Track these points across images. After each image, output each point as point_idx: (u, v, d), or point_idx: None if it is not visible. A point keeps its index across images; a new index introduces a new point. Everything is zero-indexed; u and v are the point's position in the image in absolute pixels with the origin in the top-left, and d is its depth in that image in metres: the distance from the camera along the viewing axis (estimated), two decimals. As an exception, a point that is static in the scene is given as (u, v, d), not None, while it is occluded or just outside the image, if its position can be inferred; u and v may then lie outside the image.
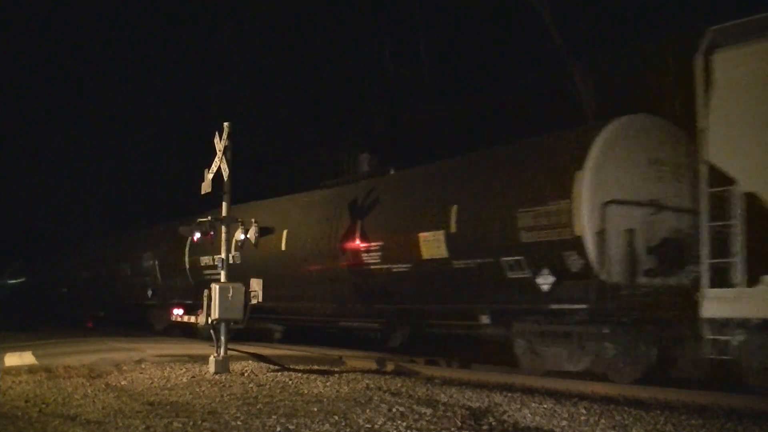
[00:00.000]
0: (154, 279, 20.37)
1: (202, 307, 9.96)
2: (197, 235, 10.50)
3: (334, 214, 13.49)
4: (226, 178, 10.21)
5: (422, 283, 11.63)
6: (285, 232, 14.27)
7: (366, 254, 12.42)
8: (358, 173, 14.90)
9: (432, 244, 11.06)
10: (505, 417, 6.42)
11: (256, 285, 10.69)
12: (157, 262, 20.21)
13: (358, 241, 12.61)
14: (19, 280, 41.32)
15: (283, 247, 14.29)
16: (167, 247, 19.43)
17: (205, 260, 16.65)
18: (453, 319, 11.55)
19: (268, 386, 8.30)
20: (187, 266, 17.90)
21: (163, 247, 19.87)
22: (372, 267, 12.30)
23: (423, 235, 11.22)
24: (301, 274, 14.03)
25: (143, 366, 10.35)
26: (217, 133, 10.33)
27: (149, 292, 20.62)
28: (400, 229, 11.87)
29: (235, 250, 10.64)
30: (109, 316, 25.65)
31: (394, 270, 11.90)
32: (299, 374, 9.37)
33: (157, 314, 19.97)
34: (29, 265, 39.40)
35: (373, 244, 12.30)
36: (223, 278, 10.17)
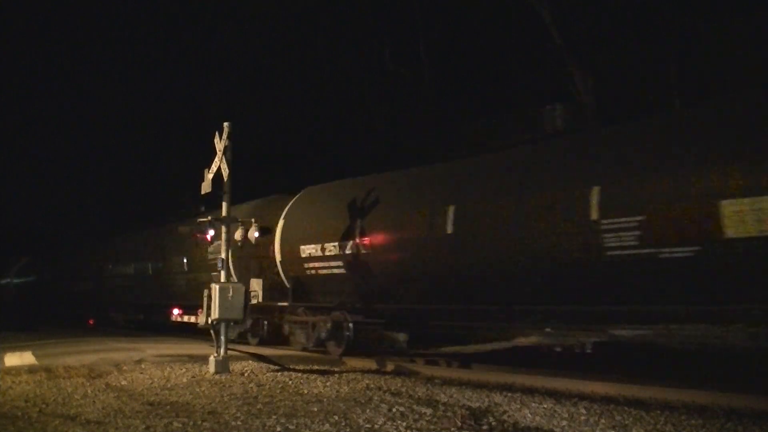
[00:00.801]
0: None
1: (201, 307, 9.96)
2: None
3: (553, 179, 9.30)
4: (226, 178, 10.21)
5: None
6: (452, 209, 10.21)
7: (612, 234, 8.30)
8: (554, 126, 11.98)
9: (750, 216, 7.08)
10: (505, 417, 6.42)
11: (256, 285, 10.72)
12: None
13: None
14: (27, 279, 36.94)
15: (450, 229, 10.19)
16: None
17: (309, 250, 12.78)
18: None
19: (268, 386, 8.30)
20: (279, 259, 13.69)
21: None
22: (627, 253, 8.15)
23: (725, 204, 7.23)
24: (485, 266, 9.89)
25: (143, 366, 10.35)
26: (217, 133, 10.33)
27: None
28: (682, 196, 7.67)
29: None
30: (157, 320, 20.10)
31: (665, 256, 7.80)
32: (299, 374, 9.37)
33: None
34: (39, 261, 35.61)
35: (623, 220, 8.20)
36: (222, 278, 10.18)
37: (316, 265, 12.55)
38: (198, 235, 10.67)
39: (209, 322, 9.81)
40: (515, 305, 9.72)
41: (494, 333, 12.20)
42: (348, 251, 11.74)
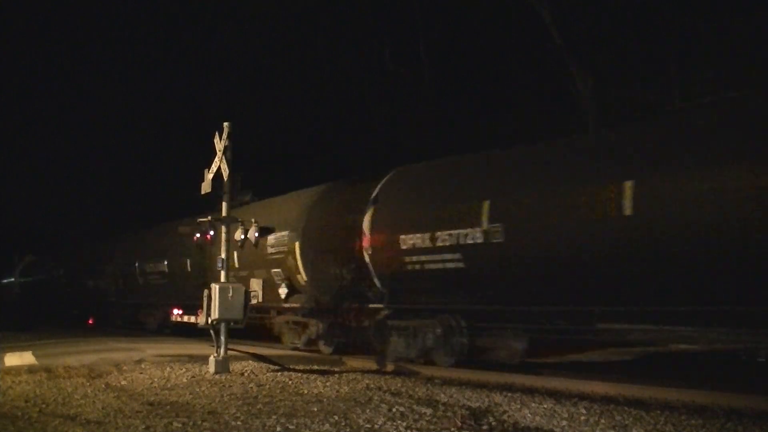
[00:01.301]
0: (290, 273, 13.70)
1: (201, 307, 9.96)
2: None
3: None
4: (226, 178, 10.21)
5: None
6: (629, 185, 7.95)
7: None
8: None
9: None
10: (505, 417, 6.42)
11: (255, 285, 10.70)
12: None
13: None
14: (34, 278, 33.62)
15: (629, 211, 7.94)
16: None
17: (413, 239, 10.59)
18: None
19: (268, 386, 8.30)
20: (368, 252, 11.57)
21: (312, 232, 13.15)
22: None
23: None
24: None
25: (143, 366, 10.35)
26: (217, 133, 10.33)
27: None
28: None
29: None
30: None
31: None
32: (299, 374, 9.37)
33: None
34: (46, 260, 32.82)
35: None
36: (222, 278, 10.17)
37: (423, 258, 10.43)
38: (198, 236, 10.66)
39: (209, 322, 9.81)
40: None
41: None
42: (470, 241, 9.64)
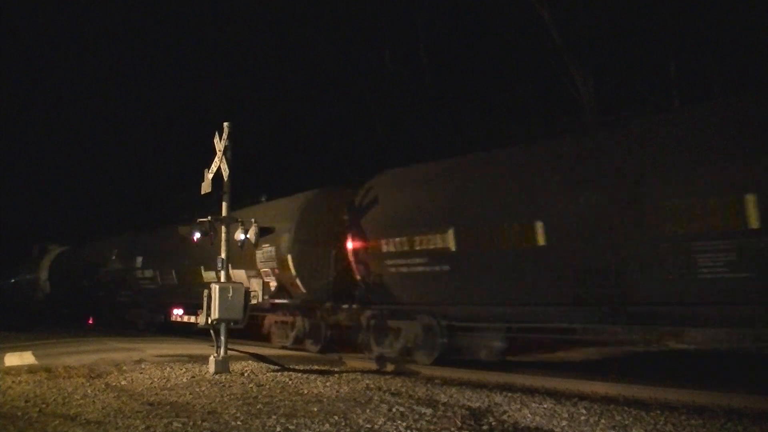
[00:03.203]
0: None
1: (201, 307, 9.95)
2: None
3: None
4: (226, 178, 10.20)
5: None
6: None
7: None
8: None
9: None
10: (505, 417, 6.42)
11: (255, 285, 10.68)
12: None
13: None
14: (69, 272, 27.94)
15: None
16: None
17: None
18: None
19: (268, 386, 8.30)
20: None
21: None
22: None
23: None
24: None
25: (143, 366, 10.34)
26: (217, 133, 10.33)
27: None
28: None
29: None
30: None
31: None
32: (299, 374, 9.37)
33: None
34: (84, 250, 27.31)
35: None
36: (222, 278, 10.17)
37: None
38: (198, 236, 10.63)
39: (209, 322, 9.80)
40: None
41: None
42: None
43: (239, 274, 14.02)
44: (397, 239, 10.96)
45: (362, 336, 12.02)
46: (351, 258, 11.97)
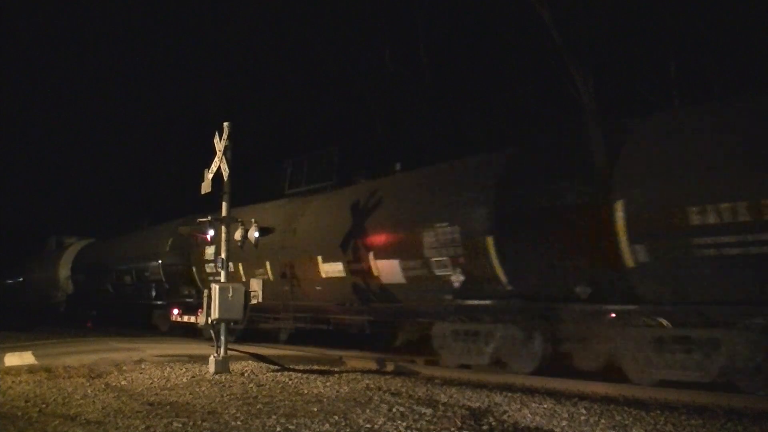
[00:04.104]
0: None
1: (202, 307, 9.95)
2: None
3: None
4: (226, 178, 10.21)
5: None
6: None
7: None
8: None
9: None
10: (505, 417, 6.42)
11: (255, 285, 10.68)
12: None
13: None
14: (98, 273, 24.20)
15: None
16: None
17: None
18: None
19: (268, 386, 8.30)
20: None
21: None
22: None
23: None
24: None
25: (143, 366, 10.34)
26: (217, 133, 10.33)
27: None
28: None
29: None
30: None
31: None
32: (299, 374, 9.37)
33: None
34: (113, 244, 24.22)
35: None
36: (222, 278, 10.17)
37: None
38: (198, 236, 10.65)
39: (209, 322, 9.80)
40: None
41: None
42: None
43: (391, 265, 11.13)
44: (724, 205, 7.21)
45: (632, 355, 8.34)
46: (623, 235, 8.11)
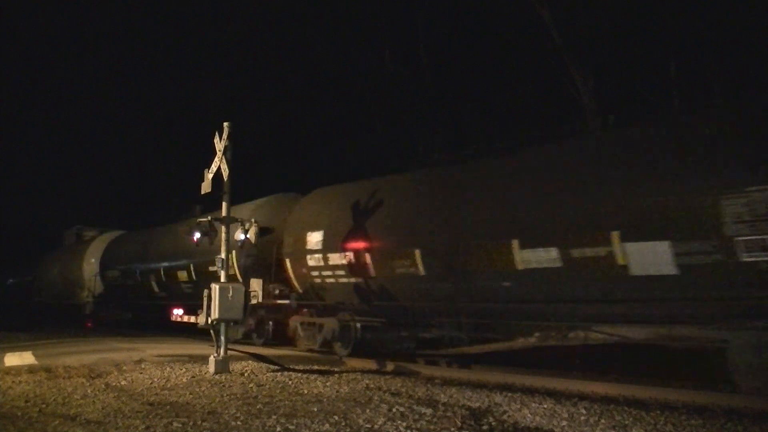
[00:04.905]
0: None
1: (202, 307, 9.95)
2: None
3: None
4: (226, 178, 10.20)
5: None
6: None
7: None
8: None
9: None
10: (505, 417, 6.42)
11: (256, 285, 10.68)
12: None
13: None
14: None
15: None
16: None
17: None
18: None
19: (268, 386, 8.29)
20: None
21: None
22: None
23: None
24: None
25: (143, 366, 10.33)
26: (217, 133, 10.32)
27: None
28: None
29: None
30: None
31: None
32: (299, 374, 9.36)
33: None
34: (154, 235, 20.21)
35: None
36: (222, 278, 10.17)
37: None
38: (198, 236, 10.63)
39: (209, 322, 9.80)
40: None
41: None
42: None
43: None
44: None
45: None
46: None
